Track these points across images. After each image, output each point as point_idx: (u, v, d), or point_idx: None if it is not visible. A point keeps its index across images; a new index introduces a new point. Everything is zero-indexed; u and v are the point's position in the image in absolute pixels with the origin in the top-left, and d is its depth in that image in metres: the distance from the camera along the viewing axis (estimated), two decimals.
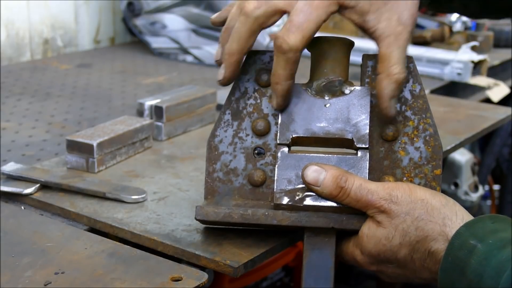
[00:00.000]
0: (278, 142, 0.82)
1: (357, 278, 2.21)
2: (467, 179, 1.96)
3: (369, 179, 0.80)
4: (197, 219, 0.81)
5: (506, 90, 1.79)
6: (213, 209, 0.80)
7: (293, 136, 0.81)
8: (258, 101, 0.85)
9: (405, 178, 0.81)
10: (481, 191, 1.99)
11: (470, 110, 1.44)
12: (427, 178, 0.81)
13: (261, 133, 0.84)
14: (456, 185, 1.95)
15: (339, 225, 0.78)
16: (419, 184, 0.80)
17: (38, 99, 1.49)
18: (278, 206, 0.79)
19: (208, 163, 0.84)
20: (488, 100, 1.76)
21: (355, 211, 0.78)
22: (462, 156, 1.94)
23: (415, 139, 0.82)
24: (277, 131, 0.83)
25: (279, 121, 0.82)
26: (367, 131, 0.80)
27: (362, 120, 0.81)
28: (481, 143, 2.41)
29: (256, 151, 0.84)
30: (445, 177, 1.94)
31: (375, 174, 0.81)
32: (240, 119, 0.84)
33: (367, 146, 0.80)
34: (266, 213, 0.79)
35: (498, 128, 2.11)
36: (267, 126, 0.84)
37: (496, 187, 2.43)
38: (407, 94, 0.82)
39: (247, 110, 0.84)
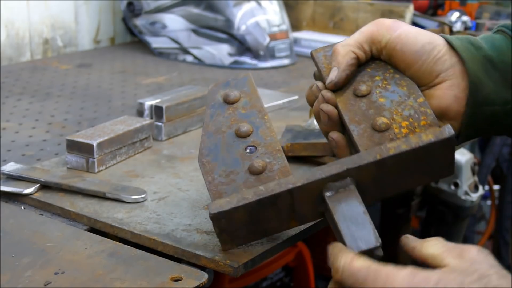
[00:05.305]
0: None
1: None
2: (467, 179, 1.95)
3: (360, 130, 0.80)
4: (212, 214, 0.77)
5: None
6: (225, 199, 0.78)
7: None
8: (233, 114, 0.87)
9: (394, 115, 0.81)
10: (481, 191, 1.98)
11: None
12: (414, 108, 0.81)
13: (247, 134, 0.84)
14: (456, 185, 1.95)
15: (353, 164, 0.76)
16: (409, 114, 0.80)
17: (38, 99, 1.49)
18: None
19: (205, 175, 0.83)
20: None
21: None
22: (462, 156, 1.94)
23: (387, 86, 0.83)
24: (263, 129, 0.85)
25: None
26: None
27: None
28: (481, 143, 2.40)
29: (247, 150, 0.84)
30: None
31: (366, 124, 0.81)
32: (222, 133, 0.85)
33: None
34: (279, 182, 0.77)
35: None
36: (250, 127, 0.85)
37: (496, 187, 2.43)
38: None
39: (226, 124, 0.86)
